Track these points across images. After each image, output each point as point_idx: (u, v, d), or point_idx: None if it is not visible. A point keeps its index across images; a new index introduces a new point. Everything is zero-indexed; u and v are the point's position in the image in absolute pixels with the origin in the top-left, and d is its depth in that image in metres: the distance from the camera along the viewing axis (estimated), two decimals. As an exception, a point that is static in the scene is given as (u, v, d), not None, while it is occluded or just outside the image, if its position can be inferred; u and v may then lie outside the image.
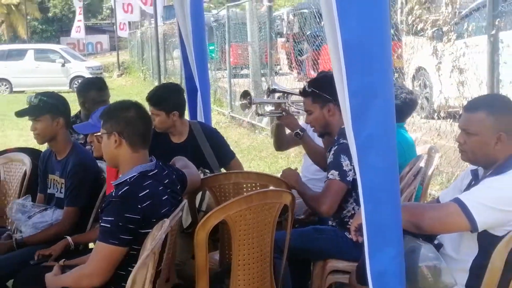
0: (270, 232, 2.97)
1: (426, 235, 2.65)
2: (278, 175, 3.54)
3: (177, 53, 16.83)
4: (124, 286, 2.42)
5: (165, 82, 15.89)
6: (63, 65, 23.95)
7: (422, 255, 2.51)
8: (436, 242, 2.74)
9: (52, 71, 23.62)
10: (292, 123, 3.97)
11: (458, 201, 2.50)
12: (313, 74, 10.03)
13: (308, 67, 11.72)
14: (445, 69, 6.37)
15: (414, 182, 3.42)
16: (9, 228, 3.88)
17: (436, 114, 6.91)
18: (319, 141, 3.84)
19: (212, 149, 4.13)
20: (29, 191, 3.95)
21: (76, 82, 21.51)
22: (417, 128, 7.05)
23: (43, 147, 4.00)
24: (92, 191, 3.65)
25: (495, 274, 2.47)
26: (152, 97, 4.06)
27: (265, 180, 3.54)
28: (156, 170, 2.86)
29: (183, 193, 3.14)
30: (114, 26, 31.47)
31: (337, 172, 3.22)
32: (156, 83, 16.16)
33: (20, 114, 3.69)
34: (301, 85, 3.69)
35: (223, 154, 4.22)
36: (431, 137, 6.65)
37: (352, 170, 3.18)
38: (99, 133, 2.96)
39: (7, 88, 23.44)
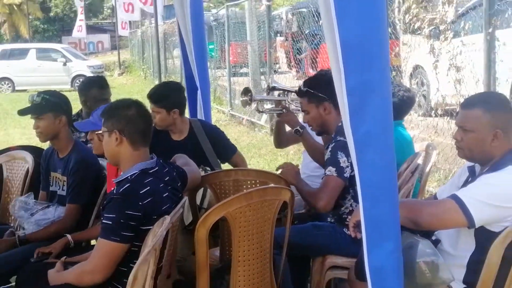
0: (269, 228, 2.98)
1: (423, 231, 2.67)
2: (278, 172, 3.56)
3: (177, 52, 16.79)
4: (125, 282, 2.44)
5: (165, 80, 15.88)
6: (64, 64, 23.93)
7: (420, 251, 2.52)
8: (433, 238, 2.76)
9: (54, 70, 23.60)
10: (292, 120, 3.99)
11: (455, 197, 2.53)
12: (312, 72, 10.03)
13: (306, 66, 11.73)
14: (442, 67, 6.39)
15: (412, 179, 3.43)
16: (12, 225, 3.90)
17: (433, 111, 6.93)
18: (318, 139, 3.87)
19: (213, 145, 4.16)
20: (32, 188, 3.97)
21: (77, 81, 21.50)
22: (414, 125, 7.07)
23: (45, 145, 4.02)
24: (93, 189, 3.67)
25: (492, 270, 2.49)
26: (153, 95, 4.09)
27: (264, 177, 3.57)
28: (157, 168, 2.88)
29: (184, 190, 3.16)
30: (115, 26, 31.46)
31: (334, 169, 3.24)
32: (157, 82, 16.16)
33: (22, 112, 3.72)
34: (300, 83, 3.70)
35: (225, 149, 4.25)
36: (428, 135, 6.67)
37: (349, 167, 3.20)
38: (100, 131, 2.98)
39: (9, 87, 23.41)
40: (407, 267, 2.38)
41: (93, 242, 3.60)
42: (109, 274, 2.70)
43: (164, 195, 2.83)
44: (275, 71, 12.47)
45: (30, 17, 39.51)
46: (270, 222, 2.98)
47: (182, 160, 3.34)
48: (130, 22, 30.67)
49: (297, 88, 3.79)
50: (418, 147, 4.09)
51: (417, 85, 8.24)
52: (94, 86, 4.69)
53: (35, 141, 4.44)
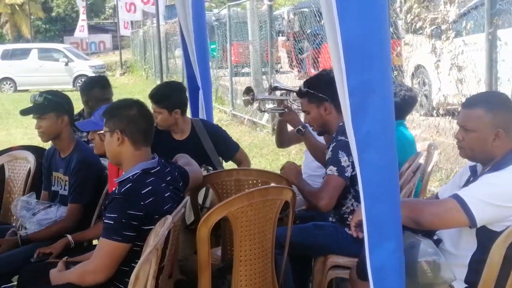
0: (271, 228, 2.98)
1: (425, 231, 2.67)
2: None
3: (179, 52, 16.85)
4: (127, 282, 2.44)
5: (167, 80, 15.89)
6: (66, 64, 23.96)
7: (421, 251, 2.52)
8: (435, 237, 2.76)
9: (56, 70, 23.65)
10: (294, 120, 3.99)
11: (457, 197, 2.53)
12: (314, 72, 10.04)
13: (308, 65, 11.74)
14: (444, 67, 6.38)
15: (413, 178, 3.44)
16: (14, 225, 3.90)
17: (435, 111, 6.92)
18: (320, 138, 3.87)
19: (216, 144, 4.16)
20: (34, 188, 3.98)
21: (79, 81, 21.52)
22: (416, 125, 7.07)
23: (47, 145, 4.02)
24: (95, 188, 3.67)
25: (493, 269, 2.49)
26: (155, 95, 4.09)
27: (266, 177, 3.58)
28: (159, 168, 2.88)
29: (186, 190, 3.16)
30: (117, 26, 31.48)
31: (335, 168, 3.24)
32: (158, 82, 16.16)
33: (25, 112, 3.72)
34: (301, 83, 3.70)
35: (228, 147, 4.26)
36: (430, 134, 6.67)
37: (350, 166, 3.20)
38: (101, 131, 2.98)
39: (11, 87, 23.46)
40: (408, 267, 2.38)
41: (95, 242, 3.60)
42: (111, 274, 2.71)
43: (166, 194, 2.84)
44: (276, 71, 12.47)
45: (32, 17, 39.50)
46: (271, 222, 2.98)
47: (183, 159, 3.34)
48: (132, 22, 30.71)
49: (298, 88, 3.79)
50: (419, 146, 4.09)
51: (419, 85, 8.23)
52: (96, 86, 4.69)
53: (37, 141, 4.44)
